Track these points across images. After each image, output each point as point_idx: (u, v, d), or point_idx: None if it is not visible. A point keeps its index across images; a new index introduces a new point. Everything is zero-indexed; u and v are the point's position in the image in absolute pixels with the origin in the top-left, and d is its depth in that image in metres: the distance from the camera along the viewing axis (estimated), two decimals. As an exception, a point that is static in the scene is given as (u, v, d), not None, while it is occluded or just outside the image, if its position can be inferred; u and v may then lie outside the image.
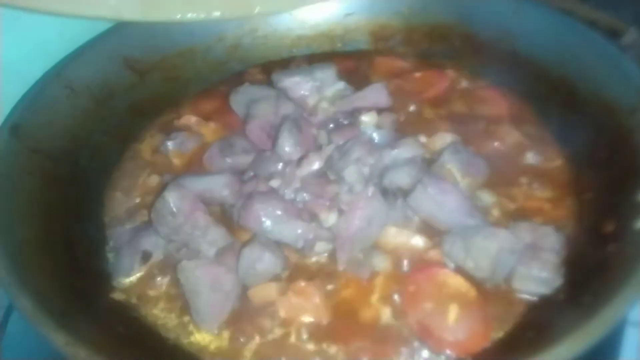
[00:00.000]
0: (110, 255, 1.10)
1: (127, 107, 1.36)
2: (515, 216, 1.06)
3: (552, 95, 1.28)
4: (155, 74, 1.43)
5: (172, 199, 1.03)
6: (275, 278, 1.01)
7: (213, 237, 1.04)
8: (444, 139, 1.19)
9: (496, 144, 1.21)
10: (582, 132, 1.17)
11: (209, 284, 0.97)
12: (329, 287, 0.99)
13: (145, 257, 1.06)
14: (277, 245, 1.03)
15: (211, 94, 1.45)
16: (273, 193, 1.09)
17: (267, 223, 1.04)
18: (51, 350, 0.79)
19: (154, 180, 1.23)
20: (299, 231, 1.04)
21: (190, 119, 1.36)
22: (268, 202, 1.05)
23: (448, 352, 0.89)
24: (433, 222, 1.04)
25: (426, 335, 0.91)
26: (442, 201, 1.02)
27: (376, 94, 1.25)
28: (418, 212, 1.04)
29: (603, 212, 1.01)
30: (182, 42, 1.47)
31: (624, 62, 1.16)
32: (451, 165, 1.10)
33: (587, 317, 0.75)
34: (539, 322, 0.88)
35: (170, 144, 1.27)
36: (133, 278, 1.06)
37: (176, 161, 1.27)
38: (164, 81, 1.44)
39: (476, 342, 0.89)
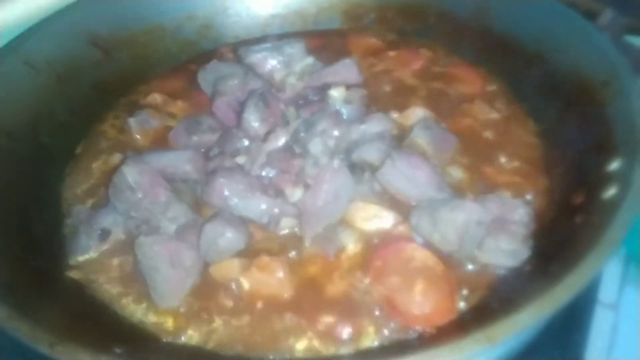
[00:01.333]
0: (67, 234, 1.06)
1: (92, 85, 1.32)
2: (485, 191, 1.04)
3: (527, 72, 1.26)
4: (122, 52, 1.39)
5: (130, 173, 1.00)
6: (239, 255, 0.97)
7: (174, 214, 1.01)
8: (416, 114, 1.17)
9: (468, 120, 1.19)
10: (555, 107, 1.15)
11: (168, 260, 0.94)
12: (294, 262, 0.96)
13: (104, 235, 1.03)
14: (241, 222, 1.00)
15: (180, 72, 1.42)
16: (237, 169, 1.05)
17: (231, 198, 1.01)
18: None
19: (117, 158, 1.19)
20: (264, 207, 1.01)
21: (156, 98, 1.32)
22: (232, 178, 1.02)
23: (414, 325, 0.86)
24: (402, 196, 1.01)
25: (392, 310, 0.88)
26: (412, 175, 1.00)
27: (346, 69, 1.22)
28: (387, 187, 1.02)
29: (573, 185, 0.99)
30: (151, 19, 1.43)
31: (599, 37, 1.14)
32: (422, 140, 1.08)
33: (550, 284, 0.72)
34: (505, 293, 0.86)
35: (132, 122, 1.23)
36: (90, 256, 1.02)
37: (140, 139, 1.23)
38: (132, 59, 1.41)
39: (442, 315, 0.86)
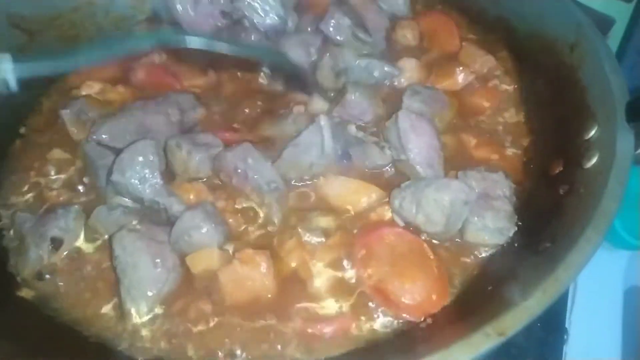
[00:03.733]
0: (11, 247, 0.94)
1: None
2: (463, 162, 1.00)
3: (490, 37, 1.22)
4: (48, 34, 1.23)
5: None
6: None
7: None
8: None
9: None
10: (525, 73, 1.12)
11: (150, 259, 0.86)
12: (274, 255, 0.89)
13: (55, 244, 0.92)
14: (222, 221, 0.92)
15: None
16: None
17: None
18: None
19: (57, 154, 1.05)
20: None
21: (92, 86, 1.17)
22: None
23: (406, 316, 0.82)
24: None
25: (383, 301, 0.84)
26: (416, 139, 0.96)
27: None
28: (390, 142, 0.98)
29: (549, 154, 0.97)
30: (78, -6, 1.28)
31: (560, -3, 1.11)
32: (416, 106, 1.02)
33: (551, 265, 0.70)
34: (497, 273, 0.84)
35: (65, 114, 1.08)
36: (44, 270, 0.91)
37: (77, 133, 1.08)
38: (60, 41, 1.25)
39: (435, 302, 0.83)
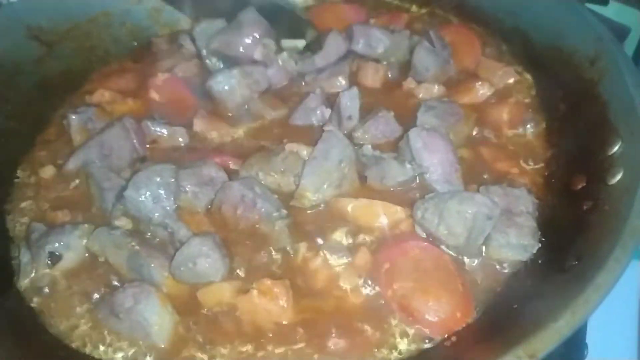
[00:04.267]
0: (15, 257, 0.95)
1: (36, 84, 1.18)
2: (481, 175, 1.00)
3: (507, 49, 1.22)
4: (65, 44, 1.24)
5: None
6: (230, 278, 0.88)
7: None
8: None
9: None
10: (541, 87, 1.12)
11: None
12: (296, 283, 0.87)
13: (53, 259, 0.91)
14: (227, 255, 0.89)
15: (131, 70, 1.27)
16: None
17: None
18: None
19: (74, 164, 1.05)
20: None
21: (104, 94, 1.17)
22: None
23: (429, 333, 0.82)
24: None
25: (406, 316, 0.83)
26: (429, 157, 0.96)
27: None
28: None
29: (571, 169, 0.96)
30: (94, 5, 1.28)
31: (579, 9, 1.11)
32: (430, 121, 1.02)
33: (580, 285, 0.69)
34: (522, 291, 0.83)
35: (74, 119, 1.08)
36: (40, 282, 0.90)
37: (77, 140, 1.08)
38: (77, 52, 1.26)
39: (459, 320, 0.82)
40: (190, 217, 0.95)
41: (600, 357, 1.09)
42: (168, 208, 0.93)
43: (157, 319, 0.82)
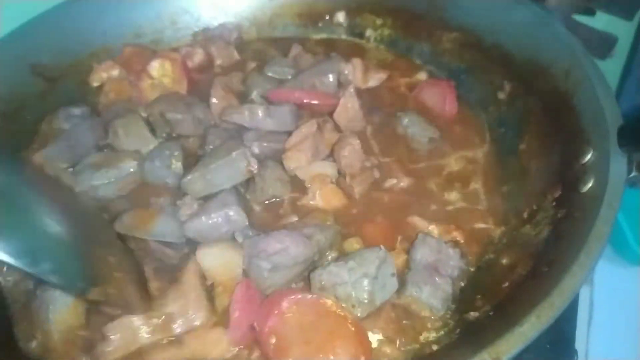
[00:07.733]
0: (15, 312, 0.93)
1: (38, 119, 1.23)
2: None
3: (487, 65, 1.26)
4: (68, 79, 1.31)
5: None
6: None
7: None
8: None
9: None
10: (521, 100, 1.15)
11: None
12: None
13: None
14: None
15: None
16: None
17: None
18: None
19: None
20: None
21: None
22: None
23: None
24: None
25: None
26: None
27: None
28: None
29: (549, 179, 0.99)
30: (94, 41, 1.35)
31: (552, 22, 1.15)
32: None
33: (545, 289, 0.72)
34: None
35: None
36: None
37: None
38: (80, 86, 1.32)
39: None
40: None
41: (602, 360, 1.11)
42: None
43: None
